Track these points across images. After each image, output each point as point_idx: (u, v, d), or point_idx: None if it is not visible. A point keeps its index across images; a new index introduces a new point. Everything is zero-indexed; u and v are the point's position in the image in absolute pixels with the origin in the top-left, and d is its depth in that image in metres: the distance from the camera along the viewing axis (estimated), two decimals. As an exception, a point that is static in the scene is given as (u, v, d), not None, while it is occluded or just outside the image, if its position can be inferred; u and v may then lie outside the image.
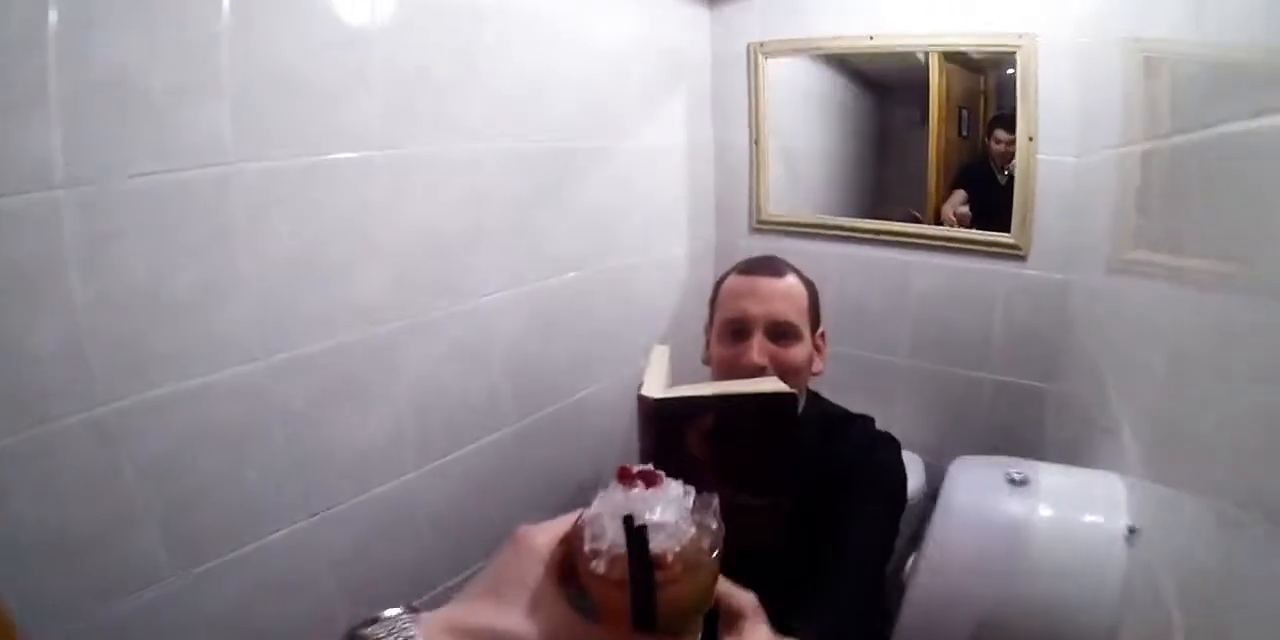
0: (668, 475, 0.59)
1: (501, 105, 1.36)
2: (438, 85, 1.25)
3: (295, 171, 1.07)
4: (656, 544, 0.47)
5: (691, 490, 0.57)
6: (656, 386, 0.86)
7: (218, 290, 1.01)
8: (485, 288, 1.39)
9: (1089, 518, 0.89)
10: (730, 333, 1.10)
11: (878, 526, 1.02)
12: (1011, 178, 1.57)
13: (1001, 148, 1.62)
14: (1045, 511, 0.91)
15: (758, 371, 1.04)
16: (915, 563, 1.05)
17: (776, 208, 1.92)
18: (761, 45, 1.83)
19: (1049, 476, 0.95)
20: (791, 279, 1.13)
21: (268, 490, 1.10)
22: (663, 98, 1.81)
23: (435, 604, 0.43)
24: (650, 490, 0.54)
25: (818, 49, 1.78)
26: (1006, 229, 1.60)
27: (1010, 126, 1.57)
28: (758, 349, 1.05)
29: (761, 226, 1.94)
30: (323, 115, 1.10)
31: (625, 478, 0.54)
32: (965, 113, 1.71)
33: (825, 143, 1.97)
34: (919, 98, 1.71)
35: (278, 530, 1.12)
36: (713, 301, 1.19)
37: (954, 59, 1.67)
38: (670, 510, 0.52)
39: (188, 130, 0.96)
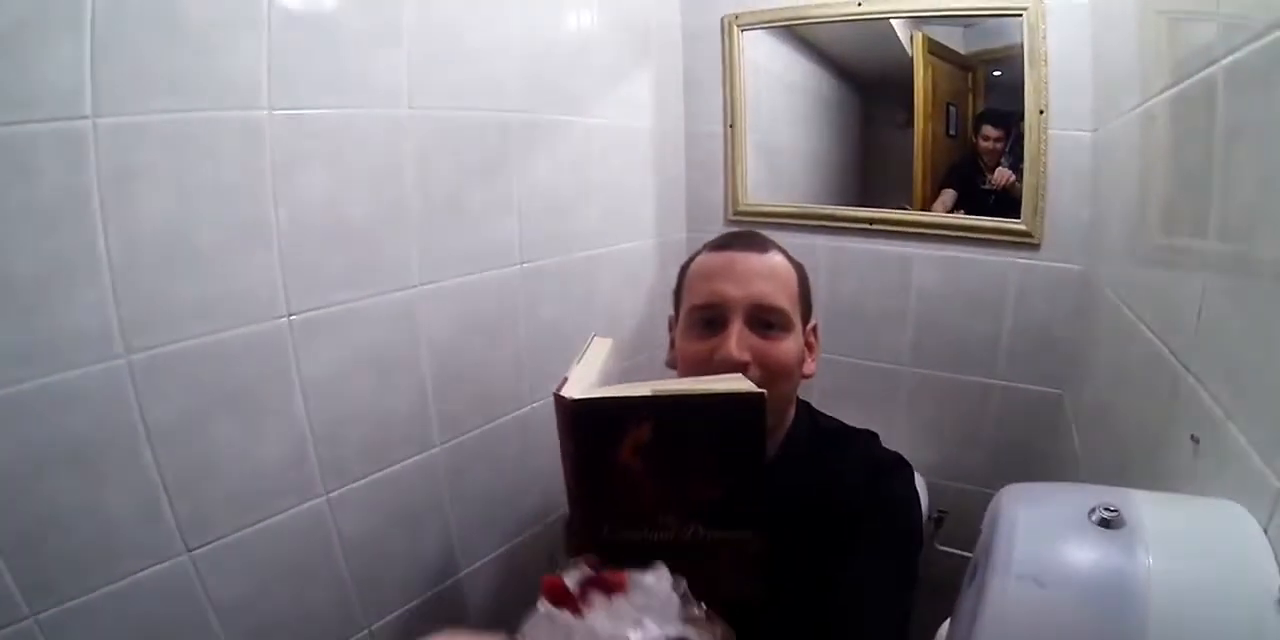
0: (594, 498, 0.64)
1: (427, 65, 1.19)
2: (344, 35, 1.07)
3: (162, 130, 0.89)
4: None
5: (674, 579, 0.61)
6: (582, 384, 0.73)
7: (67, 274, 0.84)
8: (405, 279, 1.20)
9: (1223, 575, 0.54)
10: (701, 322, 0.92)
11: (891, 582, 0.84)
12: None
13: (989, 145, 1.51)
14: (1160, 566, 0.53)
15: (737, 370, 0.83)
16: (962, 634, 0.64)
17: (755, 196, 1.76)
18: (737, 17, 1.69)
19: (1148, 511, 0.58)
20: (778, 256, 0.95)
21: (130, 520, 0.91)
22: (628, 74, 1.66)
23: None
24: (614, 599, 0.53)
25: (799, 19, 1.63)
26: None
27: (997, 122, 1.49)
28: (737, 341, 0.87)
29: (739, 217, 1.77)
30: (197, 61, 0.92)
31: (557, 597, 0.49)
32: (953, 110, 1.60)
33: (808, 140, 1.83)
34: (904, 95, 1.60)
35: (142, 569, 0.92)
36: (678, 289, 1.02)
37: (940, 53, 1.57)
38: (653, 624, 0.46)
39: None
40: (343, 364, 1.13)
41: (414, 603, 1.29)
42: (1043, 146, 1.36)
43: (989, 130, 1.51)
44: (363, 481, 1.17)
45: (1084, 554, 0.56)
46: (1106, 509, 0.56)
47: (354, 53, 1.09)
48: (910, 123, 1.60)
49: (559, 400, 0.68)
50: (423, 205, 1.22)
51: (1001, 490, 0.65)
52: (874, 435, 1.01)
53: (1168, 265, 0.87)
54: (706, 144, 1.81)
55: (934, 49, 1.58)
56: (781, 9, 1.63)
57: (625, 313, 1.73)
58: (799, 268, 0.97)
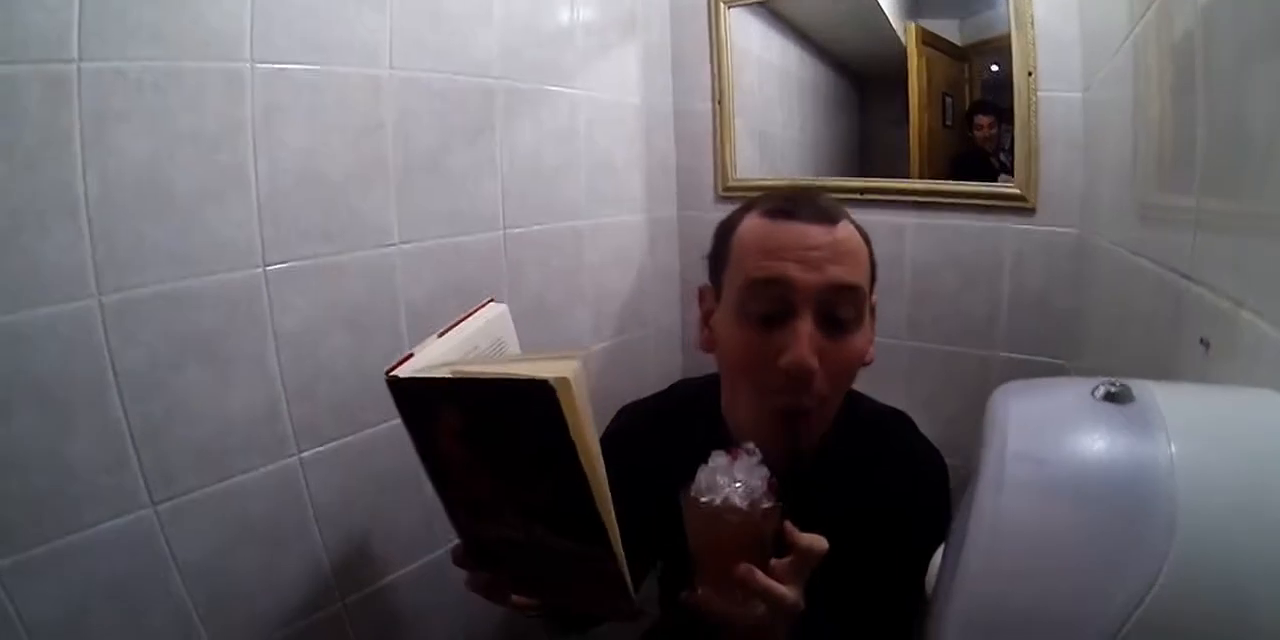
0: (441, 483, 0.71)
1: (408, 28, 1.23)
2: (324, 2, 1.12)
3: (144, 77, 0.93)
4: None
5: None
6: (429, 359, 0.69)
7: (44, 212, 0.87)
8: (384, 237, 1.23)
9: (1264, 466, 0.42)
10: (757, 310, 0.79)
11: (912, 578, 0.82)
12: (1004, 165, 1.51)
13: (984, 133, 1.56)
14: (1184, 451, 0.42)
15: (807, 378, 0.77)
16: (952, 559, 0.53)
17: (745, 172, 1.80)
18: (723, -7, 1.74)
19: (1163, 396, 0.48)
20: (849, 227, 0.82)
21: (93, 468, 0.92)
22: (614, 49, 1.70)
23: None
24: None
25: (788, -11, 1.67)
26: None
27: (989, 110, 1.54)
28: (808, 342, 0.76)
29: (729, 194, 1.80)
30: (182, 12, 0.96)
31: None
32: (949, 101, 1.64)
33: (802, 130, 1.87)
34: (901, 89, 1.63)
35: (104, 521, 0.93)
36: (719, 256, 0.88)
37: (934, 44, 1.62)
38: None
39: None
40: (318, 319, 1.15)
41: (392, 576, 1.29)
42: (1033, 109, 1.39)
43: (981, 119, 1.57)
44: (336, 443, 1.19)
45: (1092, 429, 0.46)
46: (1111, 384, 0.48)
47: (337, 12, 1.14)
48: (907, 110, 1.63)
49: (387, 376, 0.64)
50: (403, 164, 1.25)
51: (995, 391, 0.58)
52: (908, 421, 0.99)
53: (1162, 208, 0.88)
54: (695, 121, 1.85)
55: (928, 40, 1.62)
56: (770, -18, 1.68)
57: (613, 288, 1.76)
58: (866, 237, 0.85)
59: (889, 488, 0.88)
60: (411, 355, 0.68)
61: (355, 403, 1.21)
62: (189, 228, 0.99)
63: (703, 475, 0.71)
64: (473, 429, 0.63)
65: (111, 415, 0.93)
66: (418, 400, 0.64)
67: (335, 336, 1.18)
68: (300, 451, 1.14)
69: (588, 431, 0.59)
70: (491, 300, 0.88)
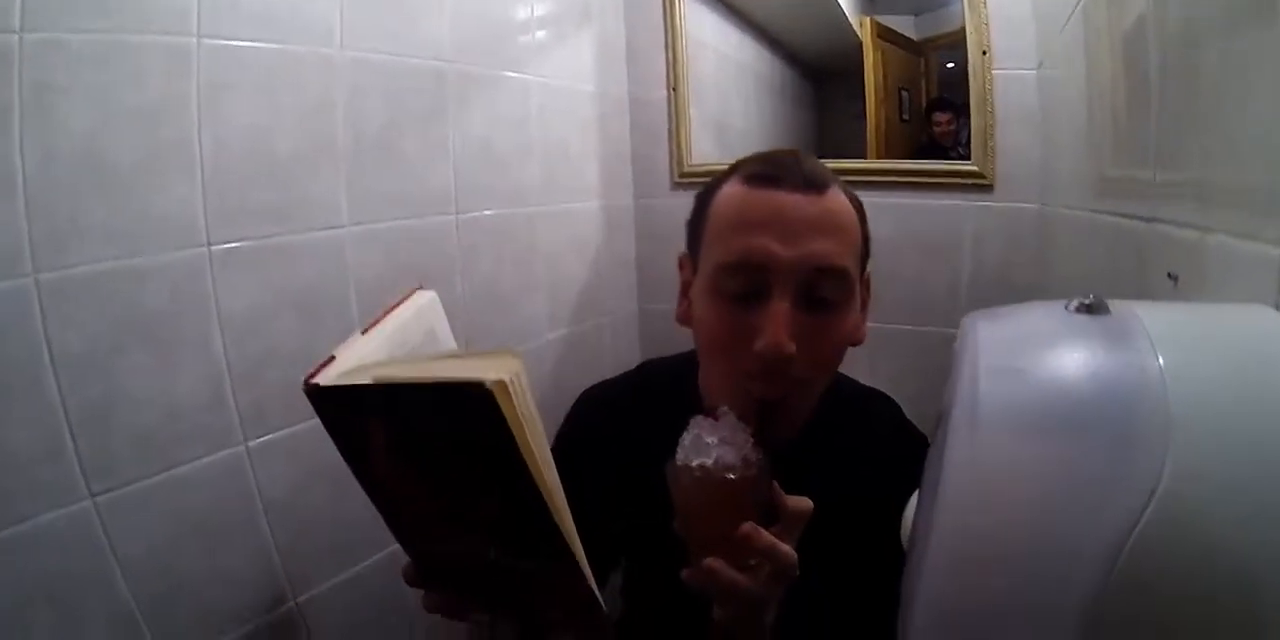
0: (381, 501, 0.64)
1: (359, 8, 1.23)
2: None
3: (85, 49, 0.91)
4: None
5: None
6: (356, 359, 0.61)
7: None
8: (333, 218, 1.22)
9: (1260, 377, 0.39)
10: (732, 286, 0.75)
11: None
12: (962, 159, 1.57)
13: (942, 128, 1.64)
14: (1173, 362, 0.39)
15: (783, 363, 0.72)
16: (928, 497, 0.49)
17: (701, 159, 1.82)
18: (675, -24, 1.77)
19: (1143, 311, 0.45)
20: (839, 196, 0.77)
21: (29, 456, 0.89)
22: (568, 36, 1.72)
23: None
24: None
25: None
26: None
27: (947, 107, 1.61)
28: (785, 325, 0.71)
29: (685, 180, 1.83)
30: None
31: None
32: (905, 95, 1.70)
33: (761, 124, 1.93)
34: (858, 85, 1.69)
35: (40, 513, 0.90)
36: (696, 223, 0.84)
37: (890, 39, 1.68)
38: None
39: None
40: (266, 301, 1.13)
41: (346, 573, 1.26)
42: (988, 87, 1.45)
43: (939, 116, 1.64)
44: (285, 431, 1.16)
45: (1072, 341, 0.43)
46: (1084, 296, 0.45)
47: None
48: (863, 114, 1.69)
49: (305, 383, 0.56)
50: (353, 145, 1.24)
51: (963, 318, 0.57)
52: (892, 403, 0.97)
53: (1123, 165, 0.91)
54: (651, 109, 1.87)
55: (883, 34, 1.68)
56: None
57: (570, 276, 1.76)
58: (859, 206, 0.80)
59: (876, 470, 0.85)
60: (334, 358, 0.59)
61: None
62: (130, 205, 0.97)
63: (688, 440, 0.70)
64: (404, 443, 0.57)
65: (47, 401, 0.90)
66: (341, 412, 0.57)
67: (283, 319, 1.16)
68: (247, 440, 1.12)
69: (535, 438, 0.54)
70: (420, 287, 0.80)
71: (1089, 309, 0.45)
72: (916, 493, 0.67)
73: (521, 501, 0.55)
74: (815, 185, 0.74)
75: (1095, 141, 1.02)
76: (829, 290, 0.74)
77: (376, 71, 1.27)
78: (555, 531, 0.57)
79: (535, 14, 1.62)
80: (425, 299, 0.77)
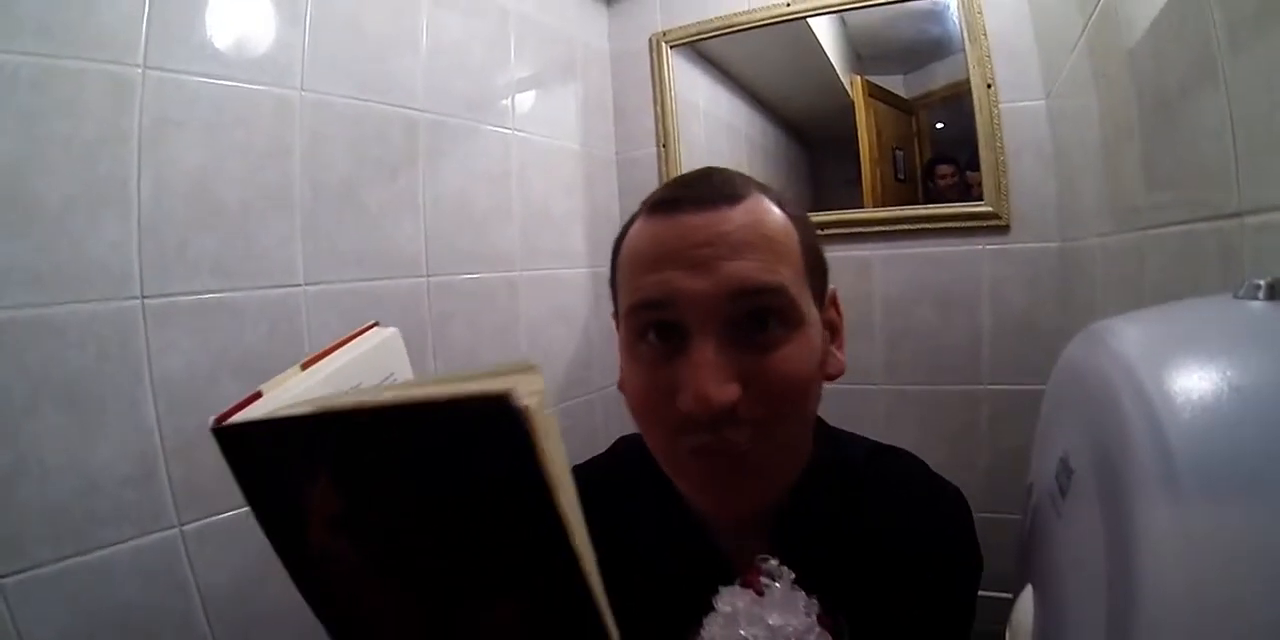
0: (328, 620, 0.41)
1: (324, 49, 1.21)
2: (238, 3, 1.10)
3: (24, 73, 0.88)
4: None
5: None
6: (290, 397, 0.44)
7: None
8: (287, 275, 1.16)
9: None
10: (650, 336, 0.62)
11: None
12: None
13: (946, 181, 1.62)
14: None
15: (722, 415, 0.58)
16: (1086, 597, 0.36)
17: (693, 218, 1.77)
18: (665, 34, 1.79)
19: None
20: (759, 203, 0.64)
21: None
22: (552, 91, 1.73)
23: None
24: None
25: (729, 27, 1.73)
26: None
27: (949, 161, 1.61)
28: (708, 367, 0.58)
29: (677, 241, 1.77)
30: (73, 7, 0.92)
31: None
32: (899, 155, 1.70)
33: None
34: (851, 148, 1.69)
35: None
36: (611, 274, 0.72)
37: (881, 97, 1.69)
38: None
39: None
40: (206, 364, 1.05)
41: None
42: (996, 121, 1.42)
43: (943, 168, 1.62)
44: (229, 515, 1.07)
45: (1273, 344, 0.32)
46: (1255, 280, 0.35)
47: (246, 22, 1.11)
48: (858, 178, 1.67)
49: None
50: (311, 194, 1.19)
51: (1071, 344, 0.45)
52: (910, 457, 0.81)
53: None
54: (639, 169, 1.86)
55: (875, 93, 1.69)
56: (709, 20, 1.73)
57: (556, 348, 1.69)
58: (798, 215, 0.67)
59: (906, 535, 0.70)
60: (259, 394, 0.44)
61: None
62: (54, 244, 0.91)
63: (714, 629, 0.55)
64: (362, 509, 0.38)
65: None
66: (268, 463, 0.39)
67: (226, 385, 1.08)
68: (182, 523, 1.02)
69: (569, 496, 0.37)
70: (376, 323, 0.63)
71: (1271, 292, 0.34)
72: (1023, 590, 0.53)
73: (558, 593, 0.38)
74: (722, 199, 0.62)
75: (1114, 166, 0.97)
76: (765, 313, 0.60)
77: (340, 116, 1.24)
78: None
79: (517, 66, 1.61)
80: (385, 335, 0.59)
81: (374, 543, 0.38)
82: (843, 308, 0.71)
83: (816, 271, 0.67)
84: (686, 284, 0.59)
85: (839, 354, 0.69)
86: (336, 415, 0.35)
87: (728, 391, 0.57)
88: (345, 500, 0.37)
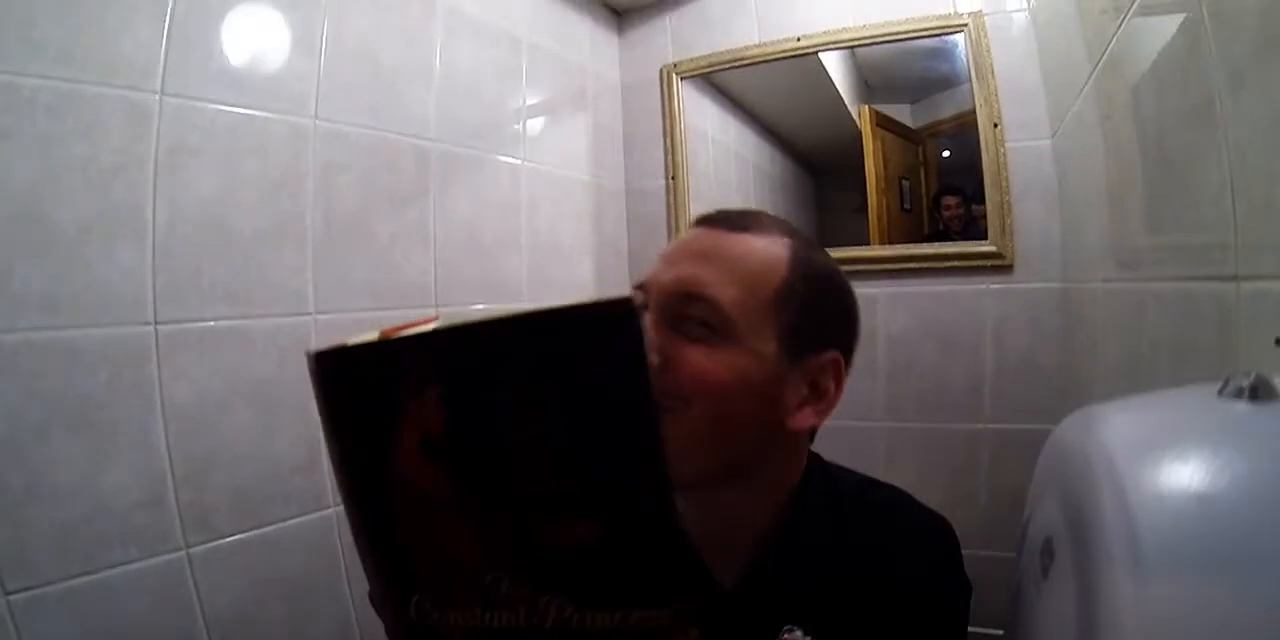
0: (385, 547, 0.43)
1: (338, 78, 1.24)
2: (254, 31, 1.13)
3: (42, 97, 0.91)
4: None
5: None
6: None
7: None
8: (298, 304, 1.18)
9: None
10: None
11: None
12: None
13: (952, 212, 1.66)
14: None
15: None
16: None
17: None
18: (675, 66, 1.82)
19: None
20: (759, 240, 0.71)
21: None
22: (563, 122, 1.76)
23: None
24: None
25: (739, 60, 1.76)
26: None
27: (955, 192, 1.64)
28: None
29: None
30: (90, 32, 0.95)
31: None
32: (906, 184, 1.74)
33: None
34: (857, 178, 1.72)
35: None
36: None
37: (888, 127, 1.72)
38: None
39: None
40: (217, 391, 1.08)
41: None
42: (1002, 160, 1.44)
43: (949, 200, 1.66)
44: (234, 538, 1.08)
45: (1244, 444, 0.35)
46: (1244, 377, 0.38)
47: (262, 52, 1.15)
48: (865, 207, 1.71)
49: (309, 360, 0.41)
50: (323, 223, 1.22)
51: (1058, 428, 0.48)
52: (903, 495, 0.84)
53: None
54: (648, 200, 1.89)
55: (882, 122, 1.72)
56: (720, 53, 1.76)
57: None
58: (810, 275, 0.72)
59: (895, 563, 0.73)
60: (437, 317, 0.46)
61: (260, 492, 1.12)
62: (69, 269, 0.93)
63: None
64: (462, 421, 0.40)
65: None
66: (368, 390, 0.41)
67: (237, 413, 1.10)
68: (189, 546, 1.03)
69: None
70: (437, 317, 0.73)
71: (1253, 393, 0.37)
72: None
73: (644, 513, 0.40)
74: (732, 225, 0.73)
75: (1121, 207, 0.99)
76: (696, 316, 0.68)
77: (353, 146, 1.27)
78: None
79: (528, 96, 1.64)
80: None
81: (464, 459, 0.40)
82: (845, 383, 0.73)
83: (806, 326, 0.70)
84: (654, 275, 0.72)
85: (811, 414, 0.72)
86: (464, 328, 0.39)
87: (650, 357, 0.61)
88: (452, 418, 0.39)
